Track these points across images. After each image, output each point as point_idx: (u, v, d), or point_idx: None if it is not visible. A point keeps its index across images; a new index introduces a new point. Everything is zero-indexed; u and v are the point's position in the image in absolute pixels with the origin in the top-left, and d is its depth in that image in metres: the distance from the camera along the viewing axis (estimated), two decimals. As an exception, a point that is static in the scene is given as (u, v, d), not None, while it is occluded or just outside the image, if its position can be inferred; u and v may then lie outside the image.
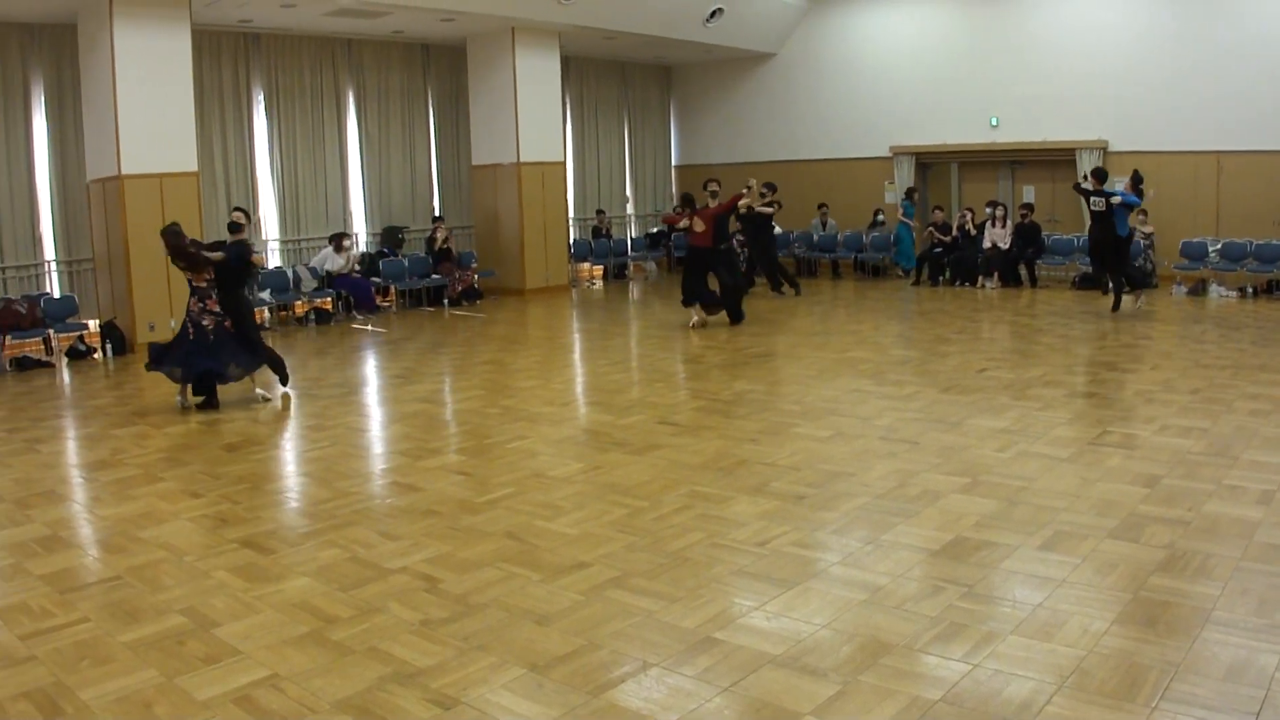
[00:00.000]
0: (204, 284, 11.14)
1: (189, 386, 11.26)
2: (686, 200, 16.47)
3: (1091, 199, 15.59)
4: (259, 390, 11.56)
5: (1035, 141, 20.44)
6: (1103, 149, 19.56)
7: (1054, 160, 20.44)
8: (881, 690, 4.47)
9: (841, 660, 4.77)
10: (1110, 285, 16.54)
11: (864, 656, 4.79)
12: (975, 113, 21.22)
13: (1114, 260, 15.75)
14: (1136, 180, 15.55)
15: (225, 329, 11.10)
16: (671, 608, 5.48)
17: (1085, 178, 17.00)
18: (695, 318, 15.86)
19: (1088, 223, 16.70)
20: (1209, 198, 18.82)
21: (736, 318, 16.09)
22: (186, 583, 6.23)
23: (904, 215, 21.48)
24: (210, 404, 11.23)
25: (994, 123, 20.98)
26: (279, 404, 11.45)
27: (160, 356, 11.11)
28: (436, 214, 21.22)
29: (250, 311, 12.01)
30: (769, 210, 19.14)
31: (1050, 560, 5.98)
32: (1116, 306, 15.92)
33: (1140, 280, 16.42)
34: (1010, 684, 4.46)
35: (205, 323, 10.97)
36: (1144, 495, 7.10)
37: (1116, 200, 15.18)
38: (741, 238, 19.47)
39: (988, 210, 19.94)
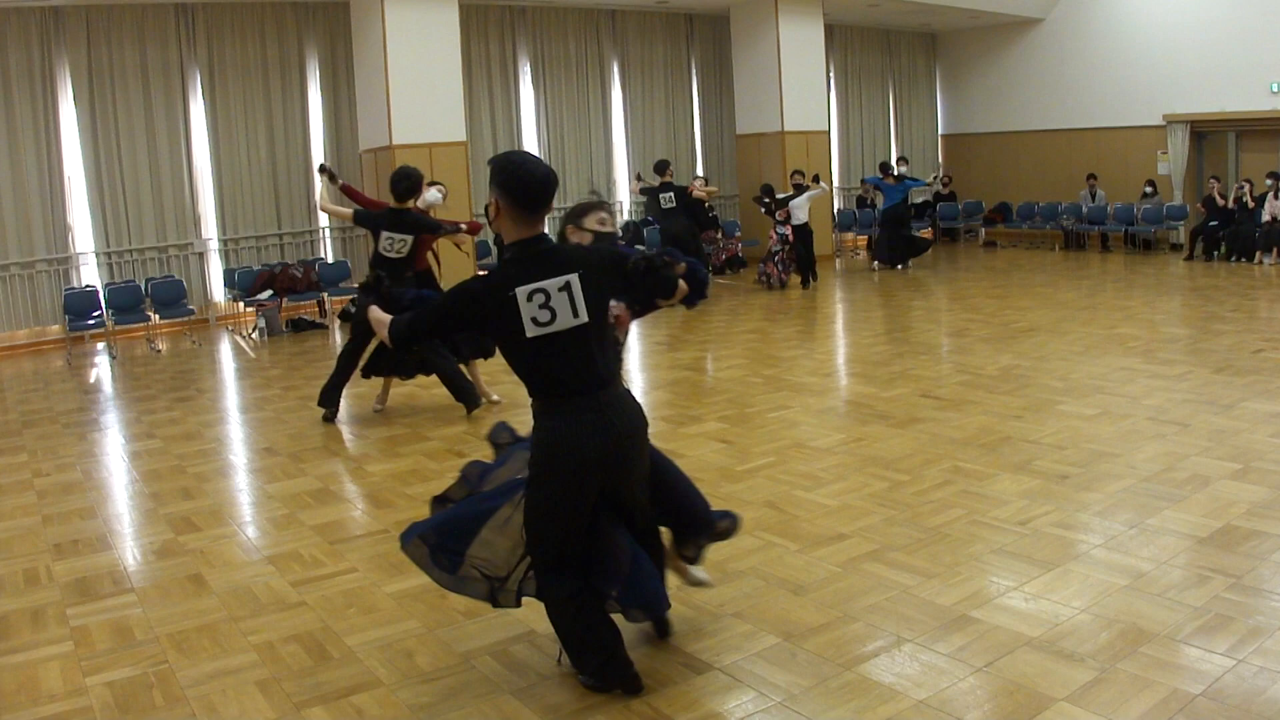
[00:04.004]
0: None
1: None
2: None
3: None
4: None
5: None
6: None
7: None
8: (1140, 680, 4.38)
9: (1100, 646, 4.67)
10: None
11: (1123, 644, 4.68)
12: (1255, 78, 20.08)
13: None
14: None
15: None
16: (928, 584, 5.47)
17: None
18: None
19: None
20: None
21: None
22: (452, 538, 6.50)
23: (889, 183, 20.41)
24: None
25: (1274, 89, 19.88)
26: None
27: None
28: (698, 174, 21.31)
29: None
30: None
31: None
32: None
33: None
34: (1276, 683, 4.29)
35: None
36: None
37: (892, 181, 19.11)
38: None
39: (1268, 182, 18.86)
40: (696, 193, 17.89)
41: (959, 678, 4.47)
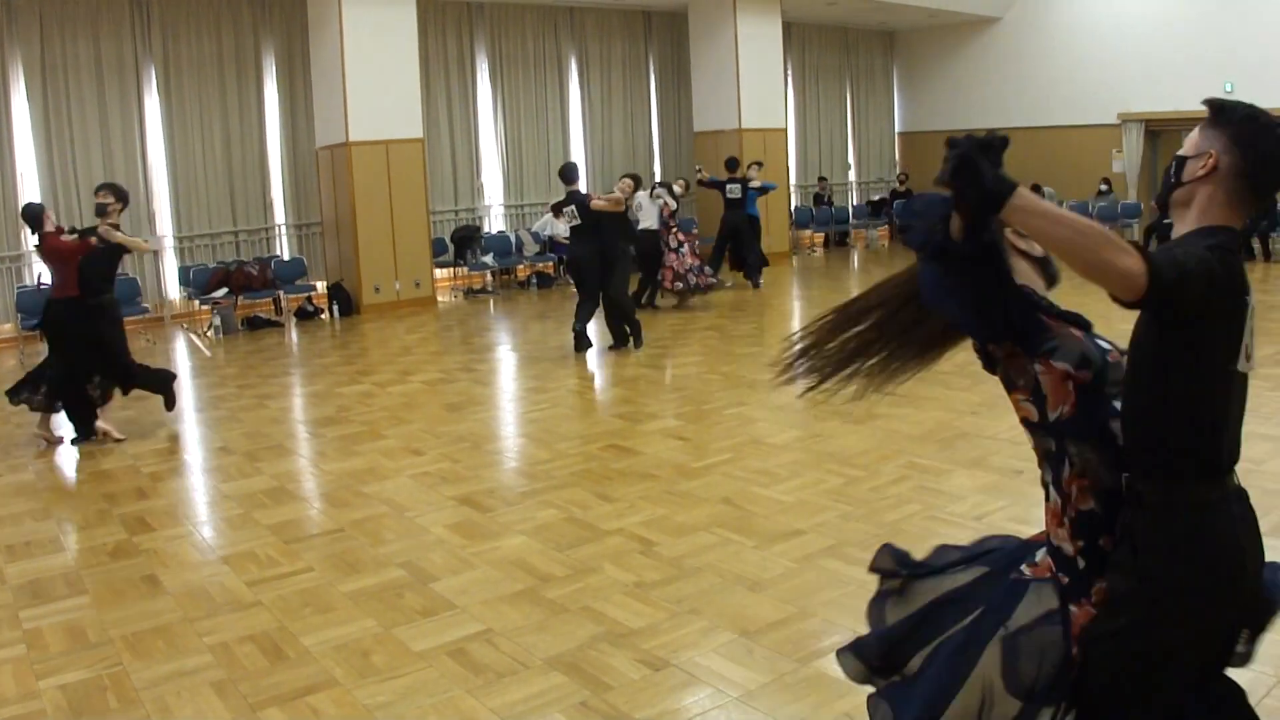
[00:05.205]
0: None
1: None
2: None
3: (727, 186, 17.02)
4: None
5: (1274, 106, 19.26)
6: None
7: (1296, 126, 19.37)
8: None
9: (1057, 638, 4.70)
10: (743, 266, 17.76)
11: (1080, 635, 4.72)
12: (1209, 77, 20.15)
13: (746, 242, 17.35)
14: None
15: None
16: (885, 579, 5.48)
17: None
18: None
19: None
20: None
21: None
22: (406, 537, 6.49)
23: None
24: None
25: (1229, 88, 20.02)
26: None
27: None
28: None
29: None
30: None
31: (1276, 547, 5.76)
32: (757, 284, 17.34)
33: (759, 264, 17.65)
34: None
35: None
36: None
37: (756, 185, 17.18)
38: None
39: (1222, 180, 19.12)
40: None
41: (916, 672, 4.47)
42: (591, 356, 12.18)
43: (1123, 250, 2.28)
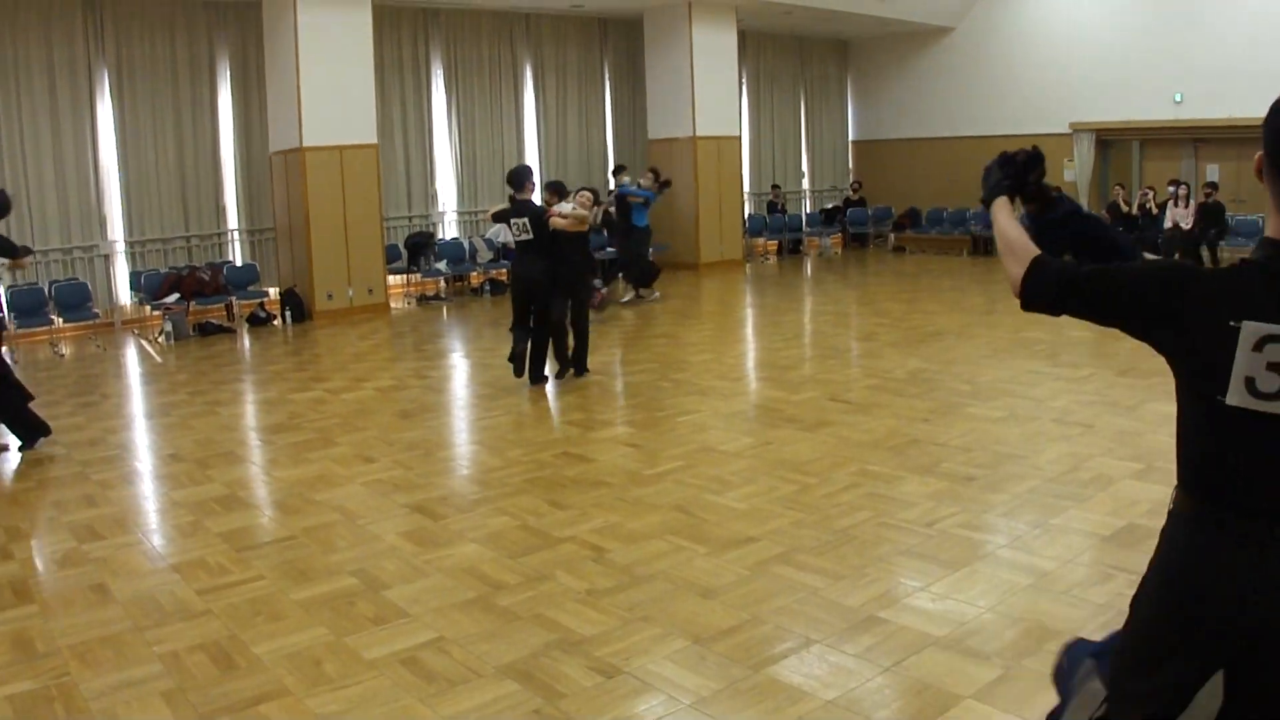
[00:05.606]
0: None
1: None
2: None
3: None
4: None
5: (1220, 118, 19.65)
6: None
7: (1240, 138, 19.55)
8: (1045, 676, 4.40)
9: (1005, 644, 4.75)
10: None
11: (1028, 641, 4.76)
12: (1159, 88, 20.56)
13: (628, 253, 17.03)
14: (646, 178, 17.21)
15: None
16: (836, 585, 5.51)
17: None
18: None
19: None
20: None
21: None
22: (358, 545, 6.47)
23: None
24: None
25: (1178, 99, 20.32)
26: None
27: None
28: (611, 187, 21.38)
29: None
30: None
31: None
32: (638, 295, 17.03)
33: (647, 276, 17.26)
34: (1178, 674, 4.40)
35: None
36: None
37: (640, 201, 16.83)
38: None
39: (1170, 189, 19.34)
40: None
41: (867, 678, 4.51)
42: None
43: (1016, 260, 2.64)
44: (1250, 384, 2.25)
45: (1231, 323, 2.27)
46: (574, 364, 11.13)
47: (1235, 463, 2.33)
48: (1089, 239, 2.93)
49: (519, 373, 10.76)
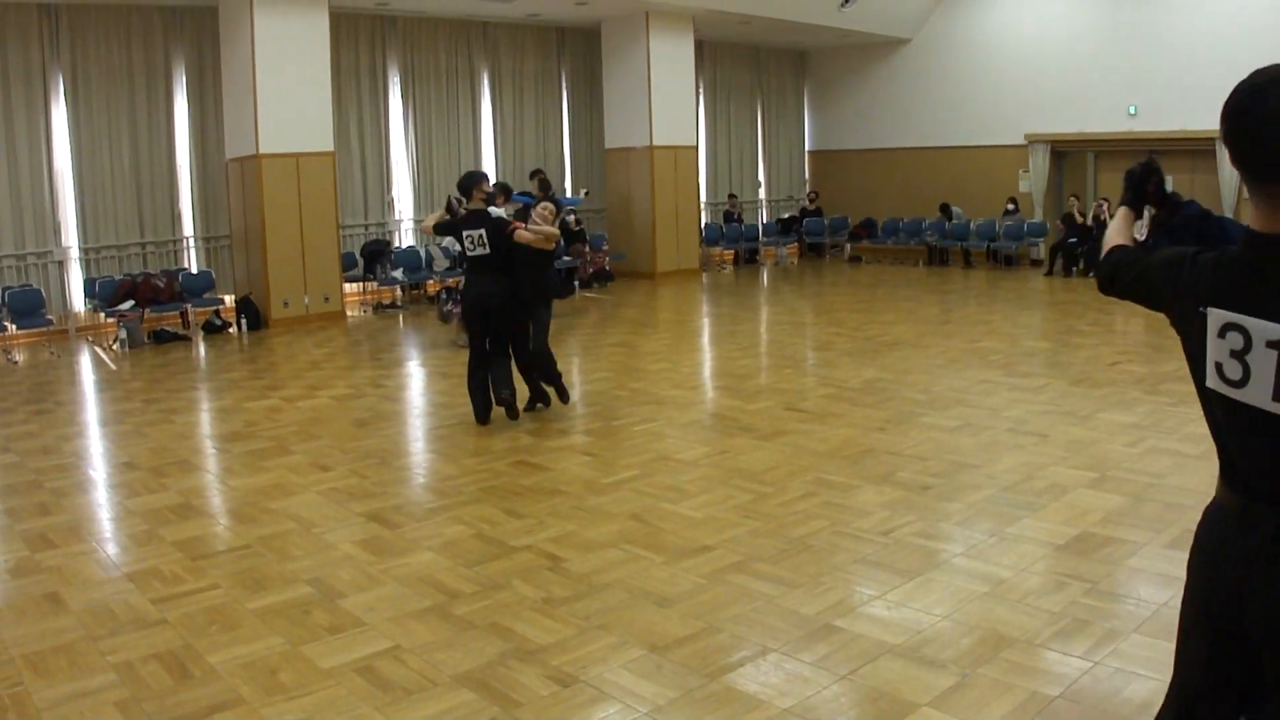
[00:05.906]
0: None
1: None
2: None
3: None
4: None
5: (1174, 131, 19.80)
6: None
7: (1194, 150, 19.72)
8: (1000, 684, 4.48)
9: (961, 652, 4.78)
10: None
11: (984, 649, 4.80)
12: (1113, 100, 20.77)
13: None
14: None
15: None
16: (792, 594, 5.54)
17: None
18: None
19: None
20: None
21: None
22: (314, 554, 6.45)
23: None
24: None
25: (1132, 111, 20.53)
26: None
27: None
28: (568, 195, 21.40)
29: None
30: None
31: (1177, 558, 5.85)
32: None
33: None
34: (1131, 683, 4.44)
35: None
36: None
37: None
38: None
39: (1124, 201, 19.52)
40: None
41: (823, 686, 4.53)
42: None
43: (1102, 252, 3.02)
44: (1219, 369, 2.40)
45: (1200, 309, 2.44)
46: (557, 393, 10.09)
47: (1227, 445, 2.52)
48: (1216, 240, 3.11)
49: (481, 416, 9.50)
